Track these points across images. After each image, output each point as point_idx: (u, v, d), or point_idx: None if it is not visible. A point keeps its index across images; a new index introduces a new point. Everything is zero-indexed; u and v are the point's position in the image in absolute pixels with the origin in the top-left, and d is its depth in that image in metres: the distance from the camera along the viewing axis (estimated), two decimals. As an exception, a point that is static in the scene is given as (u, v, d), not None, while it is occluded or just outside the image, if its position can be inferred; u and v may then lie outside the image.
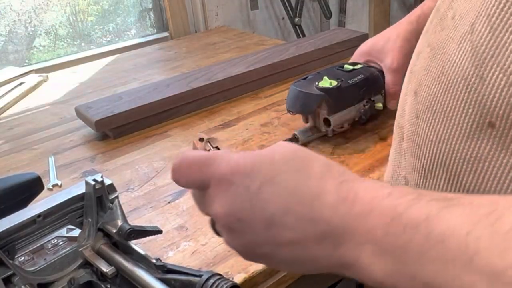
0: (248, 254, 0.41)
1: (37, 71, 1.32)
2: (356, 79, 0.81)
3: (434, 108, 0.44)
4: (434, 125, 0.44)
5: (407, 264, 0.32)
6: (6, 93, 1.16)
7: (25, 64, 1.45)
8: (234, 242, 0.41)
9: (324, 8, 1.89)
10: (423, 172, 0.46)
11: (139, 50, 1.47)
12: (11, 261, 0.52)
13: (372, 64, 0.90)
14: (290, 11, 1.80)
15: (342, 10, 2.07)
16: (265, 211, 0.37)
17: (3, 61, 1.43)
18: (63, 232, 0.59)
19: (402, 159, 0.53)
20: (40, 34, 1.49)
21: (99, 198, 0.59)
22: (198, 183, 0.41)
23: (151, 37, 1.63)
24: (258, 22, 1.81)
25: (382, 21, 2.26)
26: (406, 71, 0.60)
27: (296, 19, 1.82)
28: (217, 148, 0.48)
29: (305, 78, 0.83)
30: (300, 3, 1.83)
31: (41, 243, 0.57)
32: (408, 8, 2.41)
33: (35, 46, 1.49)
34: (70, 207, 0.59)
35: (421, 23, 0.79)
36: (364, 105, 0.83)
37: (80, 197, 0.59)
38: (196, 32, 1.65)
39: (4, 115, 1.08)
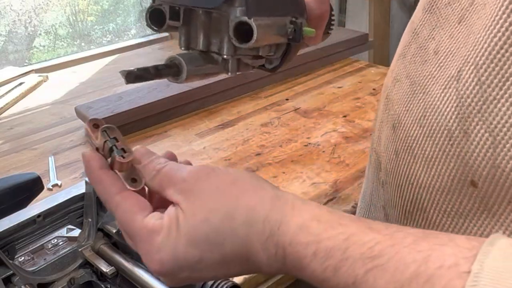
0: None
1: (37, 71, 1.32)
2: None
3: (415, 152, 0.40)
4: (415, 169, 0.41)
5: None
6: (6, 93, 1.16)
7: (25, 64, 1.45)
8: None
9: (324, 8, 1.90)
10: (403, 213, 0.44)
11: (139, 50, 1.47)
12: (11, 261, 0.52)
13: None
14: (290, 11, 1.81)
15: (342, 10, 2.08)
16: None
17: (3, 61, 1.43)
18: (63, 232, 0.59)
19: (380, 188, 0.50)
20: (40, 34, 1.49)
21: (99, 198, 0.59)
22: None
23: (151, 37, 1.63)
24: (258, 22, 1.81)
25: (382, 21, 2.25)
26: None
27: (296, 19, 1.82)
28: (116, 139, 0.43)
29: None
30: (300, 3, 1.84)
31: (41, 243, 0.57)
32: (408, 8, 2.41)
33: (35, 46, 1.49)
34: (70, 207, 0.59)
35: None
36: (291, 22, 0.53)
37: (80, 197, 0.59)
38: (196, 32, 1.65)
39: (4, 115, 1.08)
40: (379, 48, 2.18)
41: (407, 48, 0.45)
